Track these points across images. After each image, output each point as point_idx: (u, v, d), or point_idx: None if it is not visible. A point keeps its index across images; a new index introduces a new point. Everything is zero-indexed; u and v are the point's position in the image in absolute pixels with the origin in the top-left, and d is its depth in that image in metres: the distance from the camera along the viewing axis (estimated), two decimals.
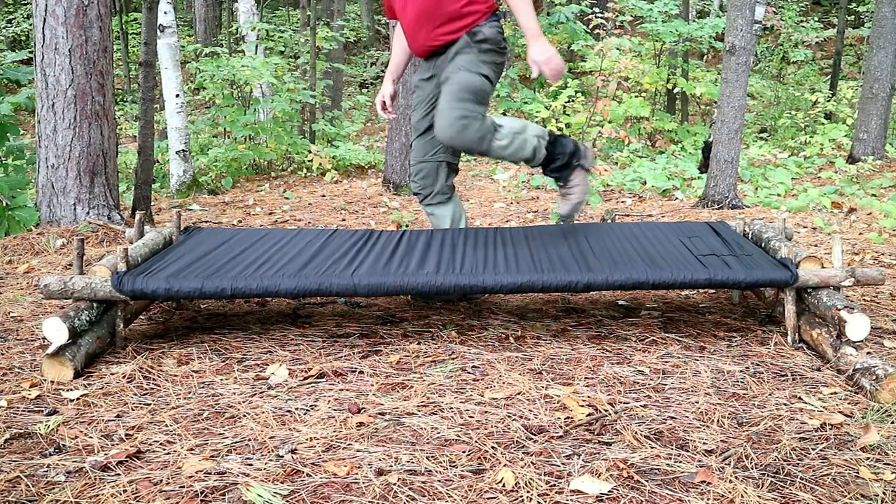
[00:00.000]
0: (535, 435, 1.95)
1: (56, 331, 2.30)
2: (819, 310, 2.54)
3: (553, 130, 3.17)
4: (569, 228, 3.11)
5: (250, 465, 1.80)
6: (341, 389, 2.25)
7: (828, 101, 9.79)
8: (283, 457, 1.84)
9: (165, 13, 6.78)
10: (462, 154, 3.20)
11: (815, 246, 4.18)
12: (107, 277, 2.50)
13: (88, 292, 2.48)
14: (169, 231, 3.08)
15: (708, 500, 1.65)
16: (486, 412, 2.09)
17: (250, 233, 3.11)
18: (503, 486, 1.71)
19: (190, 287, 2.48)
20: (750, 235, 3.09)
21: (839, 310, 2.42)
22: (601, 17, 9.16)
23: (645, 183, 6.83)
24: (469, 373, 2.38)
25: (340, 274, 2.57)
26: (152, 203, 5.12)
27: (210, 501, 1.66)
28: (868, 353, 2.33)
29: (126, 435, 1.97)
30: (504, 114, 11.03)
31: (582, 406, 2.12)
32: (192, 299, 2.94)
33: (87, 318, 2.44)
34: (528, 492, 1.68)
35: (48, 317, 2.32)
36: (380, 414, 2.09)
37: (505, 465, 1.79)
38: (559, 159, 2.98)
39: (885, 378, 2.13)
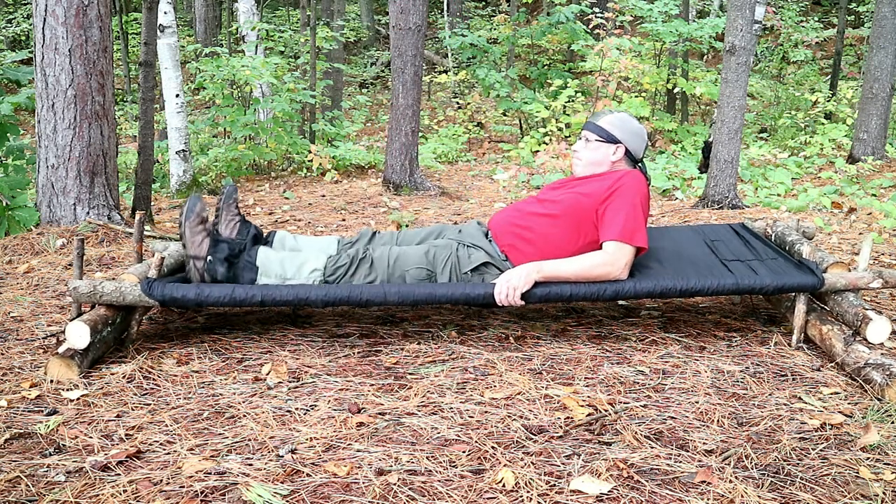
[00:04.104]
0: (535, 435, 1.95)
1: (79, 336, 2.31)
2: (841, 307, 2.58)
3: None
4: None
5: (250, 465, 1.80)
6: (341, 389, 2.25)
7: (828, 101, 9.78)
8: (283, 457, 1.84)
9: (165, 13, 6.79)
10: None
11: (816, 246, 4.17)
12: (136, 283, 2.52)
13: (117, 296, 2.49)
14: None
15: (708, 500, 1.65)
16: (486, 412, 2.09)
17: None
18: (503, 486, 1.71)
19: (220, 294, 2.48)
20: (773, 237, 3.10)
21: (866, 309, 2.46)
22: (601, 17, 9.16)
23: None
24: (469, 373, 2.38)
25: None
26: (152, 203, 5.12)
27: (210, 501, 1.65)
28: (882, 353, 2.34)
29: (126, 435, 1.97)
30: (504, 114, 11.02)
31: (582, 406, 2.11)
32: (222, 306, 2.95)
33: (106, 332, 2.48)
34: (528, 492, 1.68)
35: (78, 320, 2.32)
36: (380, 414, 2.09)
37: (505, 465, 1.79)
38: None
39: None
